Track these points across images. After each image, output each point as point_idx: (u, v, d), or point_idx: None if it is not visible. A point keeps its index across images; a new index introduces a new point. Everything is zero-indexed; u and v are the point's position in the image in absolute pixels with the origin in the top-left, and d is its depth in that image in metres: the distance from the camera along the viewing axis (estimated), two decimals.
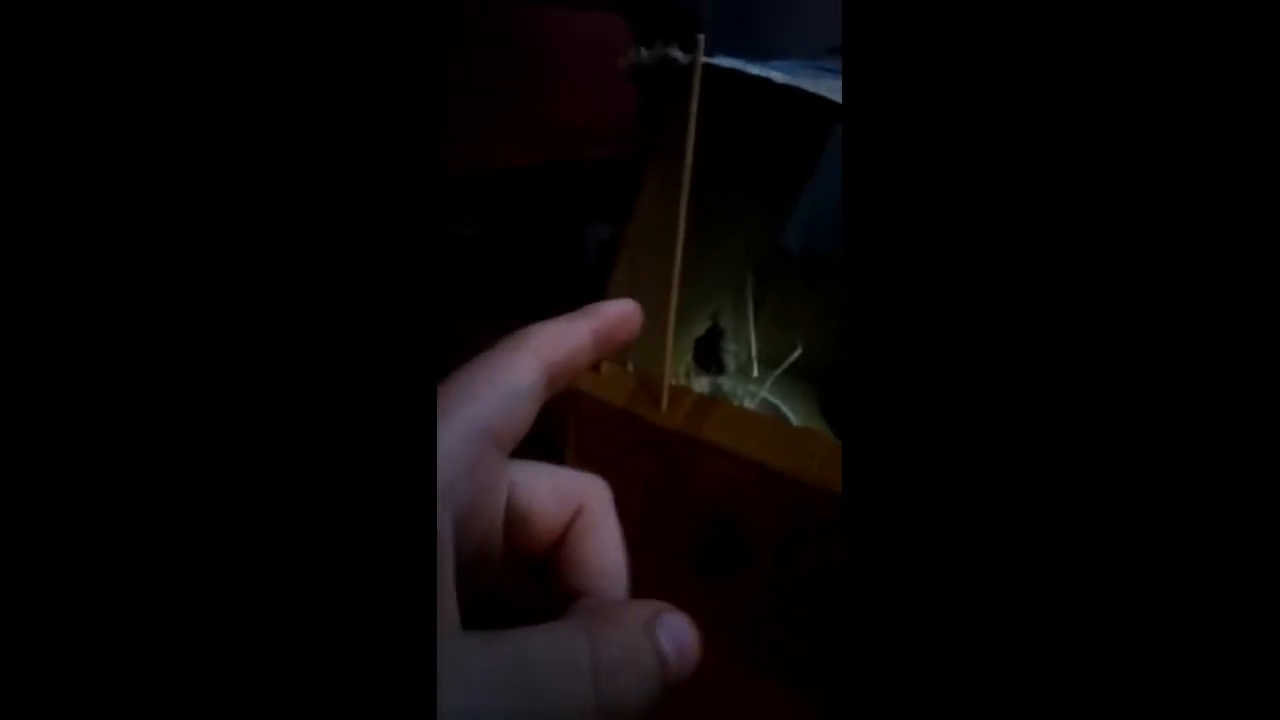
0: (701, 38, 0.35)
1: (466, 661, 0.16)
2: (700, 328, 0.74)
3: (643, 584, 0.47)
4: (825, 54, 0.59)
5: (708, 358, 0.79)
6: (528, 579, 0.25)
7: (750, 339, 0.77)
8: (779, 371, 0.57)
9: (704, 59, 0.36)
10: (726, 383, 0.57)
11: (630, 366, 0.56)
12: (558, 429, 0.48)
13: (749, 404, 0.56)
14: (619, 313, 0.26)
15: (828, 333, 0.74)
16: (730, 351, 0.79)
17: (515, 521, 0.22)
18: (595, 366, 0.49)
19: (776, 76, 0.38)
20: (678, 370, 0.74)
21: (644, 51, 0.38)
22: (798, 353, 0.57)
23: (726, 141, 0.52)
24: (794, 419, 0.54)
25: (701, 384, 0.59)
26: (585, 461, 0.48)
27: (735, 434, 0.42)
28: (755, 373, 0.76)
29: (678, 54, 0.37)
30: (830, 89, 0.43)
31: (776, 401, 0.55)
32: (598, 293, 0.49)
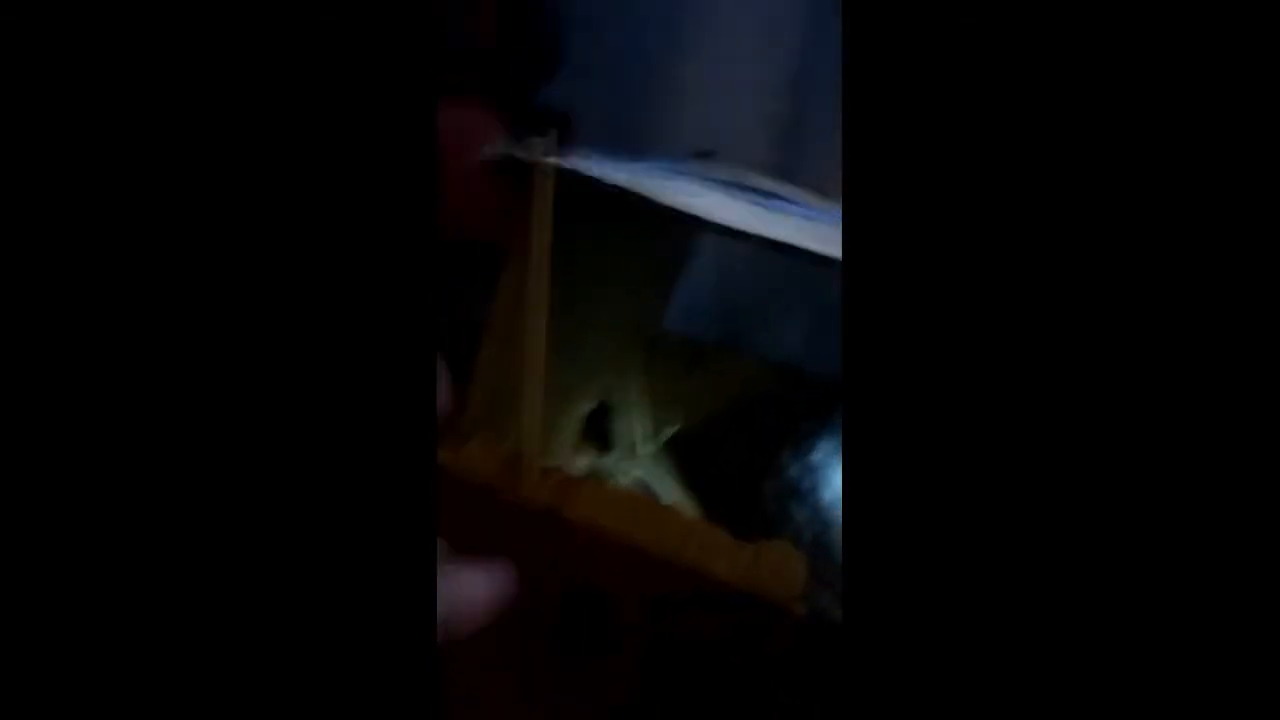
0: (545, 140, 0.36)
1: None
2: (587, 405, 0.74)
3: (513, 669, 0.44)
4: (693, 158, 0.62)
5: (597, 435, 0.78)
6: None
7: (637, 418, 0.78)
8: (651, 450, 0.56)
9: (558, 160, 0.37)
10: (607, 461, 0.57)
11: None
12: None
13: (623, 481, 0.55)
14: None
15: (704, 414, 0.75)
16: (617, 431, 0.79)
17: None
18: (460, 442, 0.48)
19: (631, 183, 0.39)
20: (562, 446, 0.73)
21: (498, 145, 0.39)
22: (671, 430, 0.57)
23: (594, 230, 0.53)
24: (665, 497, 0.53)
25: (581, 462, 0.58)
26: (454, 540, 0.45)
27: (600, 511, 0.41)
28: (641, 450, 0.76)
29: (533, 142, 0.38)
30: (688, 193, 0.45)
31: (649, 480, 0.54)
32: (467, 365, 0.48)
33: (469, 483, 0.43)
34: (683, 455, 0.63)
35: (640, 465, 0.57)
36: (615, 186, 0.38)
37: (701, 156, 0.64)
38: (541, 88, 0.58)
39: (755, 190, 0.48)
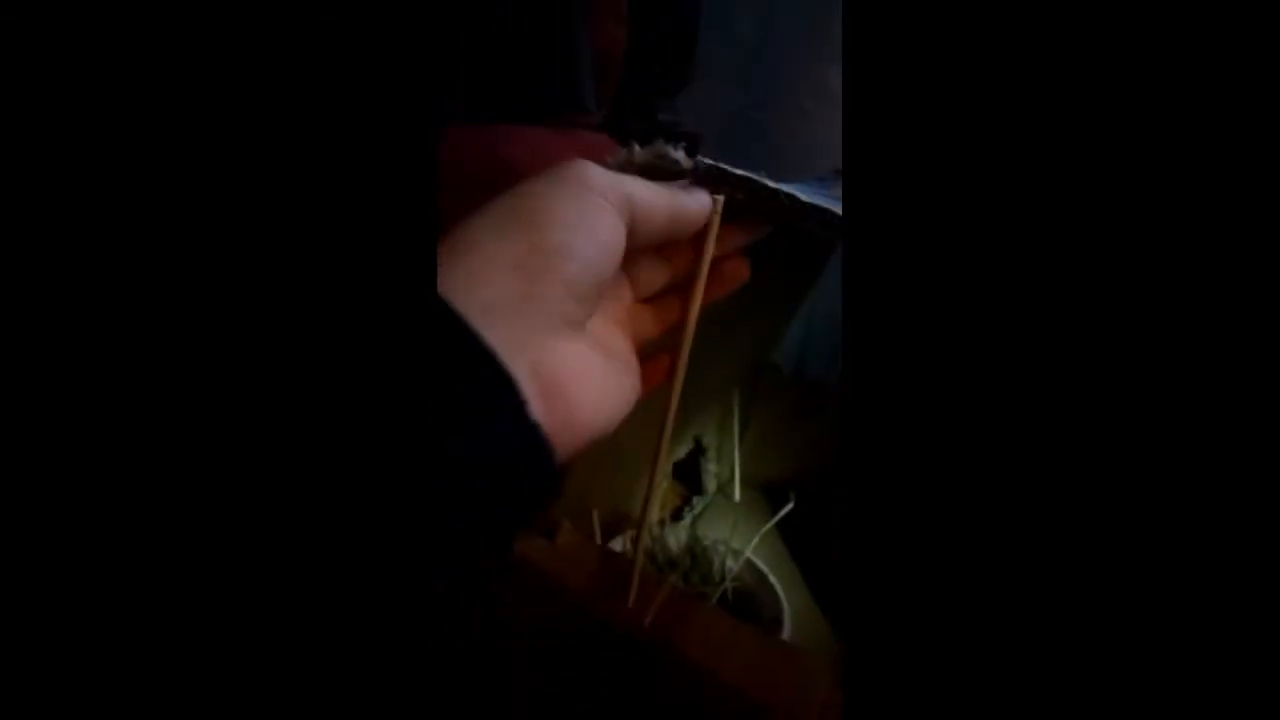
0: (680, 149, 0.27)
1: None
2: (682, 450, 0.66)
3: None
4: (830, 173, 0.52)
5: (687, 475, 0.70)
6: None
7: (734, 459, 0.69)
8: (765, 530, 0.48)
9: (718, 165, 0.28)
10: (706, 538, 0.48)
11: (596, 518, 0.47)
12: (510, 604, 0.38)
13: (731, 563, 0.47)
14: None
15: (817, 464, 0.66)
16: (711, 472, 0.71)
17: None
18: (553, 535, 0.40)
19: (799, 192, 0.30)
20: (657, 491, 0.65)
21: (637, 150, 0.29)
22: (790, 507, 0.48)
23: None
24: (778, 583, 0.45)
25: (679, 534, 0.50)
26: (537, 653, 0.38)
27: (715, 648, 0.33)
28: (736, 494, 0.68)
29: (678, 155, 0.28)
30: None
31: (763, 567, 0.46)
32: None
33: (560, 588, 0.36)
34: (792, 524, 0.54)
35: (749, 547, 0.49)
36: (759, 192, 0.28)
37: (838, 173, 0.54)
38: (669, 102, 0.49)
39: None
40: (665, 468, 0.65)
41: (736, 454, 0.68)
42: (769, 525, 0.48)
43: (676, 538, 0.49)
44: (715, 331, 0.52)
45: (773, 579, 0.45)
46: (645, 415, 0.32)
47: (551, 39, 0.37)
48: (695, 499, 0.66)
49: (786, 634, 0.41)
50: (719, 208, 0.26)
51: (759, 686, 0.31)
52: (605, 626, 0.34)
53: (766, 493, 0.65)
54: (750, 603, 0.45)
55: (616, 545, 0.45)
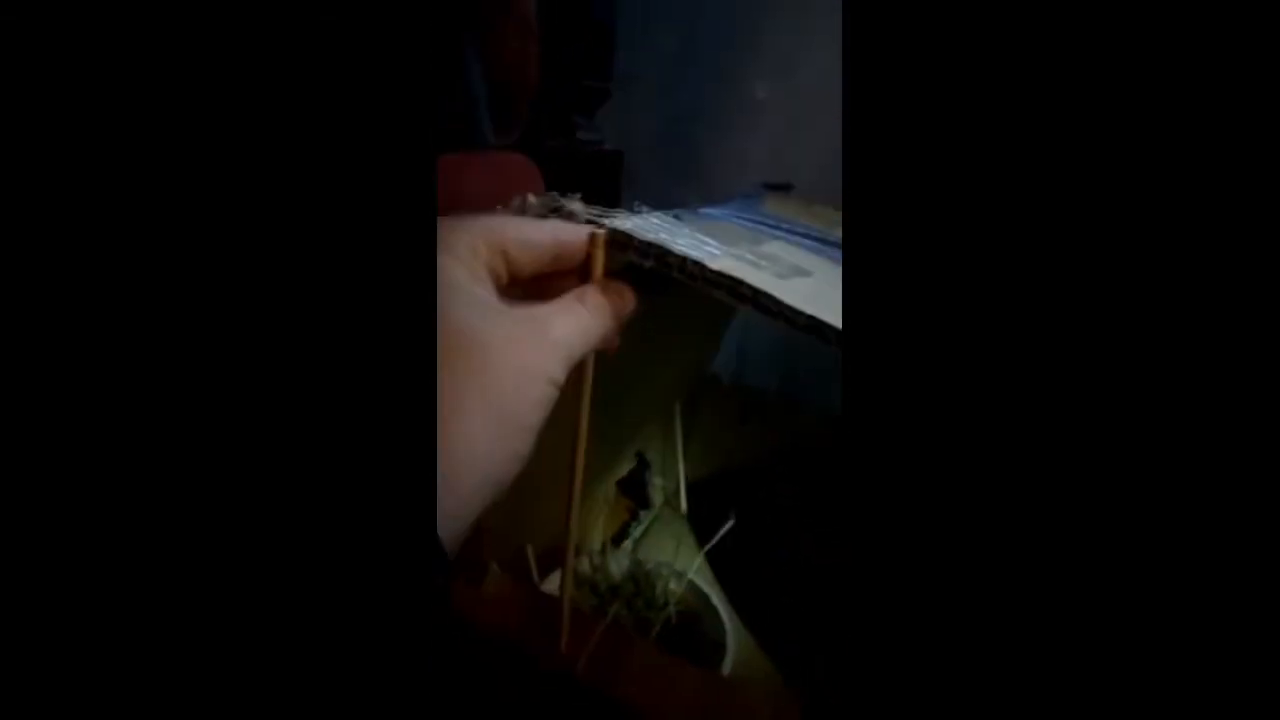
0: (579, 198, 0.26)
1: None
2: (625, 467, 0.64)
3: None
4: (756, 189, 0.51)
5: (633, 490, 0.69)
6: None
7: (679, 472, 0.68)
8: (708, 547, 0.47)
9: (603, 221, 0.26)
10: (649, 562, 0.47)
11: (530, 555, 0.46)
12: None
13: (674, 586, 0.45)
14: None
15: (760, 471, 0.65)
16: (656, 485, 0.70)
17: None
18: (480, 578, 0.38)
19: (690, 245, 0.28)
20: (601, 502, 0.63)
21: (531, 199, 0.28)
22: (730, 524, 0.48)
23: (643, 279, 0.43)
24: (722, 609, 0.44)
25: (620, 560, 0.48)
26: (470, 704, 0.36)
27: (654, 688, 0.31)
28: (683, 504, 0.67)
29: (574, 206, 0.27)
30: (752, 254, 0.34)
31: (707, 589, 0.45)
32: None
33: (488, 633, 0.34)
34: (734, 552, 0.53)
35: (692, 569, 0.48)
36: (665, 257, 0.27)
37: (775, 189, 0.53)
38: (588, 117, 0.47)
39: (835, 244, 0.37)
40: (607, 491, 0.64)
41: (681, 466, 0.67)
42: (710, 544, 0.47)
43: (618, 564, 0.47)
44: (650, 347, 0.51)
45: (715, 600, 0.44)
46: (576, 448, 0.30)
47: (440, 78, 0.35)
48: (641, 514, 0.65)
49: (730, 656, 0.40)
50: (600, 242, 0.25)
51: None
52: (537, 673, 0.32)
53: (710, 505, 0.64)
54: (695, 625, 0.44)
55: (554, 581, 0.43)
